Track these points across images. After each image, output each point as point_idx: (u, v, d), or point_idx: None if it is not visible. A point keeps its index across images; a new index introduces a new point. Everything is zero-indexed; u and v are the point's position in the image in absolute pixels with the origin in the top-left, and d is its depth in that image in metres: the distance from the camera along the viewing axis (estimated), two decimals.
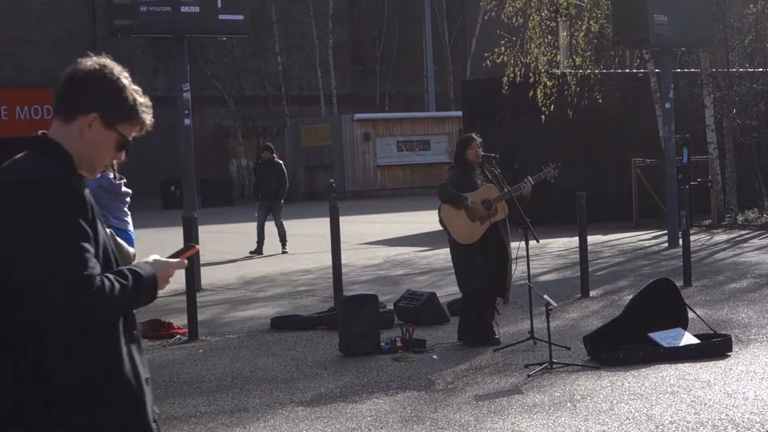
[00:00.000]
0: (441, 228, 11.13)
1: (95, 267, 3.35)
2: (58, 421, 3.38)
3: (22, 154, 3.51)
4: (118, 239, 6.55)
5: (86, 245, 3.35)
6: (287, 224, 21.93)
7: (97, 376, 3.41)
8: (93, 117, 3.49)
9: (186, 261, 3.70)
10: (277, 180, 21.55)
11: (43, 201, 3.35)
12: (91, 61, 3.54)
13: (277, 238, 21.37)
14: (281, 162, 22.38)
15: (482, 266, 10.74)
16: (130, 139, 3.57)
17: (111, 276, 3.38)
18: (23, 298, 3.31)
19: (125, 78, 3.54)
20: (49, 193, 3.36)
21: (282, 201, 21.63)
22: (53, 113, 3.54)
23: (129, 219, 6.66)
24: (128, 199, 6.66)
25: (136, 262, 3.62)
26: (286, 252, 21.25)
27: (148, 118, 3.57)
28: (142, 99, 3.56)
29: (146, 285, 3.47)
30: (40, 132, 3.53)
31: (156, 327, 12.18)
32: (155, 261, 3.58)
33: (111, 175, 6.68)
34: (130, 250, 6.58)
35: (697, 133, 24.70)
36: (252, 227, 21.92)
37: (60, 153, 3.47)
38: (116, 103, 3.51)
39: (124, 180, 6.65)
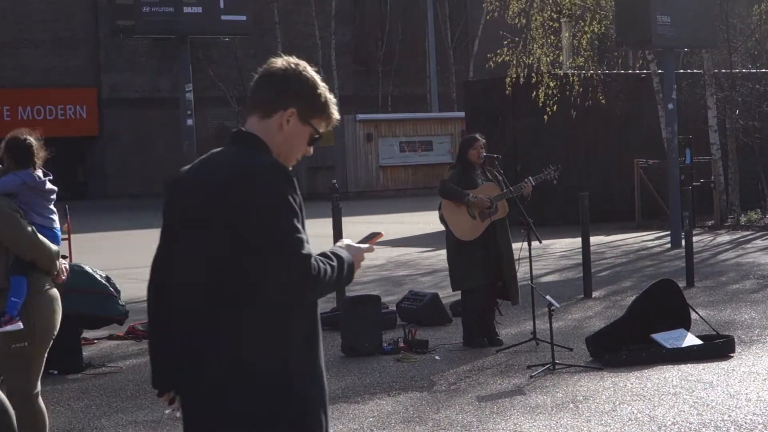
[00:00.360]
0: (443, 228, 11.13)
1: (310, 248, 3.56)
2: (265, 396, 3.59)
3: (227, 147, 3.74)
4: (42, 237, 6.52)
5: (301, 227, 3.58)
6: None
7: (303, 353, 3.66)
8: (291, 112, 3.71)
9: (374, 246, 3.91)
10: None
11: (272, 185, 3.56)
12: (282, 61, 3.77)
13: None
14: None
15: (482, 265, 10.74)
16: (321, 132, 3.77)
17: (320, 257, 3.60)
18: (253, 273, 3.52)
19: (317, 76, 3.76)
20: (276, 177, 3.58)
21: None
22: (249, 110, 3.75)
23: (55, 217, 6.66)
24: (53, 197, 6.65)
25: (333, 247, 3.80)
26: None
27: (335, 113, 3.79)
28: (330, 95, 3.78)
29: (347, 268, 3.73)
30: (237, 128, 3.76)
31: None
32: (348, 246, 3.80)
33: (36, 172, 6.66)
34: (54, 247, 6.56)
35: (699, 134, 24.69)
36: None
37: (263, 146, 3.68)
38: (312, 99, 3.74)
39: (50, 177, 6.62)
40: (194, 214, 3.64)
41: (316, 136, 3.77)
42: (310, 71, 3.75)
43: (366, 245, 3.85)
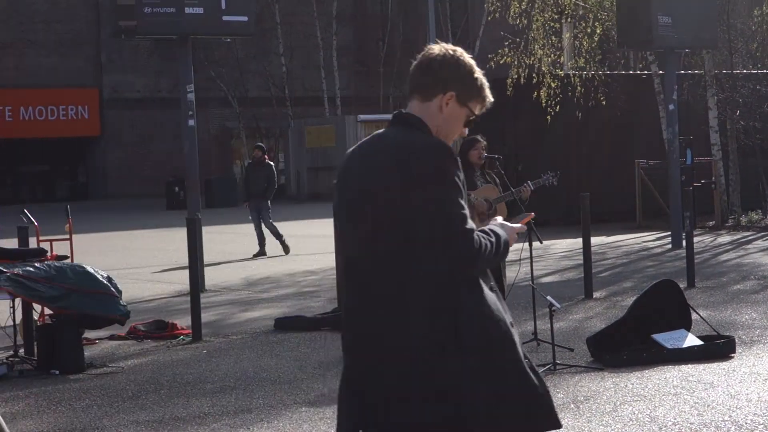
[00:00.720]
0: None
1: (473, 224, 3.73)
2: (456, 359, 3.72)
3: (389, 128, 3.94)
4: None
5: (464, 203, 3.78)
6: (291, 225, 21.89)
7: (476, 319, 3.76)
8: (451, 95, 3.91)
9: (525, 226, 4.07)
10: (266, 180, 21.38)
11: (439, 163, 3.76)
12: (439, 47, 3.95)
13: (276, 241, 21.09)
14: (272, 163, 22.30)
15: None
16: (477, 114, 3.95)
17: (480, 233, 3.77)
18: (423, 247, 3.70)
19: (473, 61, 3.94)
20: (443, 156, 3.78)
21: (269, 202, 21.36)
22: (410, 93, 3.97)
23: None
24: None
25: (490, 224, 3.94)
26: (288, 248, 20.97)
27: (490, 96, 3.98)
28: (485, 80, 3.96)
29: (504, 245, 3.88)
30: (398, 111, 3.95)
31: (160, 328, 12.20)
32: (502, 224, 3.95)
33: None
34: None
35: (700, 135, 24.70)
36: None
37: (425, 126, 3.90)
38: (469, 83, 3.93)
39: None
40: (367, 194, 3.81)
41: (472, 117, 3.96)
42: (467, 57, 3.94)
43: (518, 225, 4.01)
